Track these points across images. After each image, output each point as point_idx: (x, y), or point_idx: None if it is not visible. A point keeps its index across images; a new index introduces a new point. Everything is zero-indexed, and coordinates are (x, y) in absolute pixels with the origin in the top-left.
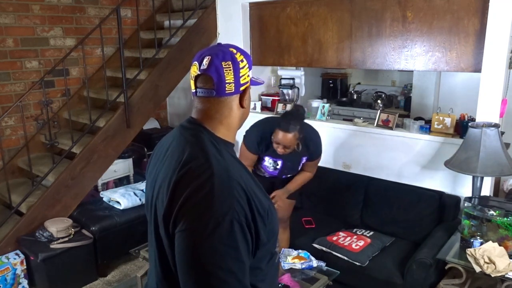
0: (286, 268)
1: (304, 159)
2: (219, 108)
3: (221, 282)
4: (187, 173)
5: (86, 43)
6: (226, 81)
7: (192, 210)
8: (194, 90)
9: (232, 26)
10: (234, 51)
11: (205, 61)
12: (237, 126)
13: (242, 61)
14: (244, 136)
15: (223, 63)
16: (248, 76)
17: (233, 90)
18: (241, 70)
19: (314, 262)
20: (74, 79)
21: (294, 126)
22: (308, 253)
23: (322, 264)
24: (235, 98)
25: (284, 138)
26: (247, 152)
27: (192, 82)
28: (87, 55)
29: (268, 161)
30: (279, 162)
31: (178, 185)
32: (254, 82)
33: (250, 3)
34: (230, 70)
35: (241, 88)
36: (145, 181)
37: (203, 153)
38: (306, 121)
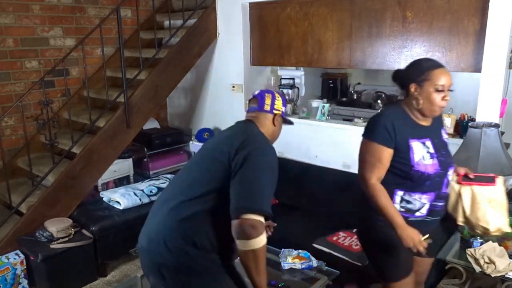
0: (286, 268)
1: (443, 132)
2: (260, 117)
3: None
4: (246, 140)
5: (86, 43)
6: (265, 103)
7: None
8: (247, 109)
9: (232, 26)
10: (276, 93)
11: (256, 92)
12: (269, 136)
13: (277, 98)
14: (368, 133)
15: (265, 93)
16: (281, 109)
17: (268, 109)
18: (275, 101)
19: (314, 262)
20: (74, 79)
21: None
22: (308, 253)
23: (322, 264)
24: (270, 116)
25: (448, 76)
26: (379, 149)
27: (247, 104)
28: (87, 55)
29: (417, 148)
30: (428, 143)
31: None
32: (283, 114)
33: (250, 3)
34: (269, 98)
35: (274, 111)
36: (145, 181)
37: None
38: (306, 121)
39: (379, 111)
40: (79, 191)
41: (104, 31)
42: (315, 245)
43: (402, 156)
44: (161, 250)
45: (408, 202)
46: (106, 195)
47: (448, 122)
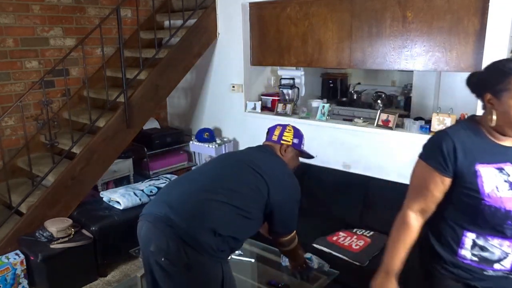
0: (285, 265)
1: None
2: (272, 145)
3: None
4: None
5: (86, 43)
6: (274, 133)
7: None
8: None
9: (232, 26)
10: (289, 126)
11: (272, 125)
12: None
13: (289, 130)
14: (421, 151)
15: (277, 127)
16: (290, 140)
17: (276, 140)
18: (285, 133)
19: (315, 264)
20: (74, 79)
21: None
22: (311, 255)
23: (325, 265)
24: (278, 146)
25: None
26: (429, 173)
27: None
28: (87, 55)
29: (489, 176)
30: (509, 169)
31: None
32: (297, 146)
33: (250, 3)
34: (279, 130)
35: (281, 141)
36: (145, 181)
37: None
38: (306, 121)
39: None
40: (79, 191)
41: (104, 31)
42: (315, 245)
43: (467, 186)
44: (181, 221)
45: (483, 248)
46: (106, 195)
47: (448, 122)
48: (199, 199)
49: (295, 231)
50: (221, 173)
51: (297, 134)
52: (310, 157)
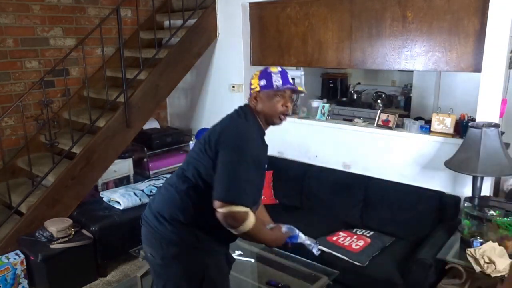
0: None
1: None
2: (248, 101)
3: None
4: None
5: (86, 43)
6: (250, 88)
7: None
8: None
9: (232, 26)
10: (257, 71)
11: None
12: (261, 114)
13: (255, 76)
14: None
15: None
16: (256, 85)
17: (249, 92)
18: (252, 81)
19: (303, 238)
20: (74, 79)
21: None
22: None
23: (315, 244)
24: (252, 97)
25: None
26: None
27: None
28: (87, 55)
29: None
30: None
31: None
32: (266, 87)
33: (250, 3)
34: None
35: (250, 91)
36: (145, 181)
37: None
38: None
39: None
40: (79, 191)
41: (104, 31)
42: None
43: None
44: (153, 219)
45: None
46: (106, 195)
47: (448, 122)
48: (159, 197)
49: (237, 205)
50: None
51: (264, 74)
52: (298, 91)
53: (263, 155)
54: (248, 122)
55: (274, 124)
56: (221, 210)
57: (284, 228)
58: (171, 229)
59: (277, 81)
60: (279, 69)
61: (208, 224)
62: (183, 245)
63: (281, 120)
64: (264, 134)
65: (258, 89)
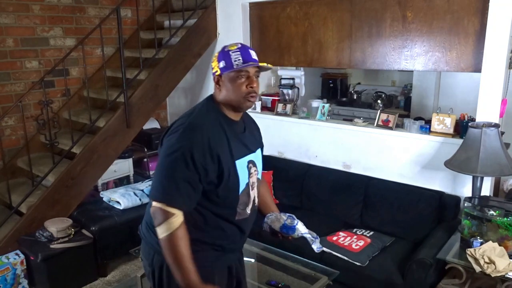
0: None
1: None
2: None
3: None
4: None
5: (86, 43)
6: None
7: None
8: None
9: (232, 26)
10: (216, 53)
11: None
12: (224, 100)
13: (214, 59)
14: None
15: None
16: (217, 68)
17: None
18: (212, 64)
19: (301, 230)
20: (74, 79)
21: None
22: (296, 221)
23: (316, 239)
24: (215, 82)
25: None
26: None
27: None
28: (87, 55)
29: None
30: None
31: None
32: (227, 69)
33: (250, 3)
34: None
35: (213, 76)
36: (145, 181)
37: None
38: (306, 121)
39: None
40: (79, 191)
41: (104, 31)
42: None
43: None
44: (144, 227)
45: None
46: (106, 195)
47: (448, 122)
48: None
49: (159, 203)
50: None
51: (222, 55)
52: (263, 68)
53: (220, 149)
54: (199, 115)
55: (242, 109)
56: (153, 205)
57: (284, 216)
58: (156, 238)
59: (237, 59)
60: (239, 45)
61: (191, 236)
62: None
63: (249, 101)
64: (232, 122)
65: (218, 72)
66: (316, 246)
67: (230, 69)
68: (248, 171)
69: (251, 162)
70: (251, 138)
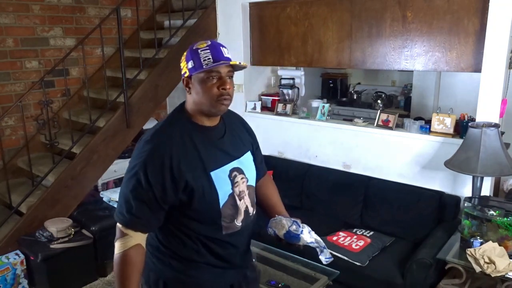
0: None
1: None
2: None
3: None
4: None
5: (86, 43)
6: None
7: None
8: None
9: (232, 26)
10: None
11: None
12: (195, 104)
13: (182, 59)
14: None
15: None
16: (185, 69)
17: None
18: (181, 65)
19: (306, 239)
20: (74, 79)
21: None
22: (300, 227)
23: (324, 249)
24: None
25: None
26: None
27: None
28: (87, 55)
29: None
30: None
31: None
32: (196, 70)
33: (250, 3)
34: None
35: (182, 78)
36: None
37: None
38: (306, 121)
39: None
40: (79, 191)
41: (104, 31)
42: None
43: None
44: None
45: None
46: (106, 195)
47: (448, 122)
48: None
49: (119, 225)
50: None
51: (190, 54)
52: (236, 67)
53: (184, 164)
54: (161, 129)
55: (215, 113)
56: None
57: (289, 222)
58: (148, 254)
59: (206, 58)
60: (208, 42)
61: (181, 254)
62: (160, 273)
63: (222, 105)
64: (205, 130)
65: (187, 73)
66: (324, 257)
67: (199, 70)
68: (231, 181)
69: (235, 169)
70: (234, 142)
